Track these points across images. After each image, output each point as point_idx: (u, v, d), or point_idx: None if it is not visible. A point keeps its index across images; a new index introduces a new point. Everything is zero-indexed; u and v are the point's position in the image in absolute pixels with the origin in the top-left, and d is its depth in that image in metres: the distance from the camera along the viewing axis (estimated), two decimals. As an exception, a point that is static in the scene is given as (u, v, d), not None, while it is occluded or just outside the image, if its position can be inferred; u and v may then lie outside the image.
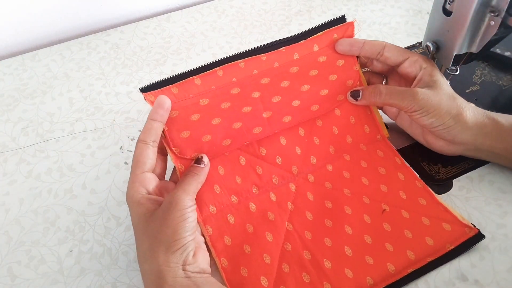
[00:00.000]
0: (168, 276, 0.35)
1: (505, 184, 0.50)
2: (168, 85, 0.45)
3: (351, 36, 0.50)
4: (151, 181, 0.41)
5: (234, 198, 0.46)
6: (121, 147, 0.56)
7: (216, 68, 0.46)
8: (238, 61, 0.47)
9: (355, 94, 0.49)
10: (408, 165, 0.50)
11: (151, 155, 0.41)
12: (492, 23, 0.43)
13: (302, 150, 0.50)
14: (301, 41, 0.49)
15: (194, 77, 0.46)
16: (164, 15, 0.76)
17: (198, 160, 0.44)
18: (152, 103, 0.43)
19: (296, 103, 0.48)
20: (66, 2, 0.71)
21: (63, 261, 0.46)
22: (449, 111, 0.44)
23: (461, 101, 0.46)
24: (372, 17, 0.73)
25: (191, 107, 0.45)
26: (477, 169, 0.51)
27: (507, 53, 0.63)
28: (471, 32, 0.45)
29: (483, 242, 0.44)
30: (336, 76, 0.49)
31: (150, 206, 0.38)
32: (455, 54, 0.47)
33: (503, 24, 0.43)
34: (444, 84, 0.47)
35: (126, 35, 0.72)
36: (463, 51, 0.47)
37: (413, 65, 0.47)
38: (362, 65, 0.51)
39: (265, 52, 0.48)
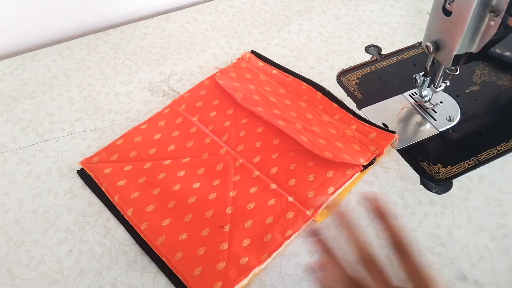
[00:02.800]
0: None
1: (505, 184, 0.50)
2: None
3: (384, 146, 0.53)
4: None
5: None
6: (121, 147, 0.56)
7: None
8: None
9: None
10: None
11: None
12: (492, 23, 0.43)
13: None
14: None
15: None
16: (164, 15, 0.76)
17: None
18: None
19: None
20: (66, 2, 0.71)
21: (63, 261, 0.46)
22: None
23: None
24: (372, 17, 0.73)
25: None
26: (477, 169, 0.51)
27: (507, 53, 0.63)
28: (471, 32, 0.45)
29: (483, 242, 0.44)
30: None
31: None
32: (455, 54, 0.47)
33: (503, 24, 0.43)
34: None
35: (126, 35, 0.72)
36: (463, 51, 0.47)
37: None
38: None
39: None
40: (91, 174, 0.52)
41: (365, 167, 0.51)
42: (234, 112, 0.58)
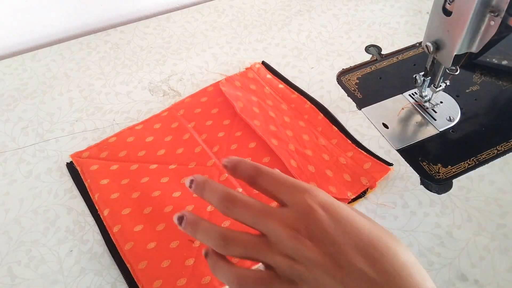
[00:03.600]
0: None
1: (505, 184, 0.50)
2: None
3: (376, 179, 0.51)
4: None
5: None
6: (121, 147, 0.56)
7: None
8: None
9: None
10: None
11: None
12: (492, 23, 0.43)
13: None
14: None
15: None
16: (164, 15, 0.76)
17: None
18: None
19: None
20: (66, 2, 0.71)
21: (63, 261, 0.46)
22: None
23: None
24: (372, 17, 0.73)
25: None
26: (477, 169, 0.51)
27: (504, 62, 0.62)
28: (471, 32, 0.45)
29: (483, 242, 0.44)
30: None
31: None
32: (455, 54, 0.47)
33: (503, 24, 0.43)
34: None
35: (126, 35, 0.72)
36: (463, 51, 0.47)
37: None
38: None
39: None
40: (78, 168, 0.53)
41: (354, 199, 0.49)
42: (230, 123, 0.57)
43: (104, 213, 0.48)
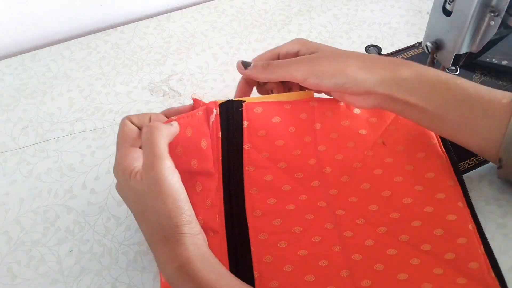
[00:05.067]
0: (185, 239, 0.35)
1: (505, 184, 0.50)
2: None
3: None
4: (140, 158, 0.39)
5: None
6: (121, 147, 0.56)
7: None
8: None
9: (245, 63, 0.45)
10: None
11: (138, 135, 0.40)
12: (492, 23, 0.43)
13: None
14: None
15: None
16: (164, 15, 0.76)
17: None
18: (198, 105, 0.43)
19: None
20: (66, 2, 0.71)
21: (63, 261, 0.46)
22: (337, 67, 0.41)
23: (347, 54, 0.43)
24: (372, 17, 0.73)
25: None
26: (477, 169, 0.51)
27: (504, 62, 0.62)
28: (471, 32, 0.45)
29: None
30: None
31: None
32: (455, 54, 0.47)
33: (503, 24, 0.43)
34: (324, 46, 0.44)
35: (126, 35, 0.72)
36: (463, 51, 0.47)
37: (288, 57, 0.45)
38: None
39: None
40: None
41: None
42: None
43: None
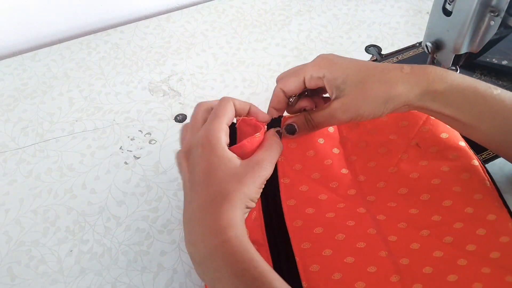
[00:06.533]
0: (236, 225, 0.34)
1: (505, 184, 0.50)
2: None
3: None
4: (227, 136, 0.38)
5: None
6: (121, 147, 0.56)
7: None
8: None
9: (290, 129, 0.43)
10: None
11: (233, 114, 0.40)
12: (492, 23, 0.43)
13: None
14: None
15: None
16: (164, 15, 0.76)
17: (278, 132, 0.42)
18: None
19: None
20: (66, 2, 0.71)
21: (63, 261, 0.46)
22: (382, 101, 0.39)
23: (385, 78, 0.40)
24: (372, 17, 0.73)
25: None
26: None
27: (504, 62, 0.62)
28: (471, 32, 0.45)
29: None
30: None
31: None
32: (455, 54, 0.47)
33: (503, 24, 0.43)
34: (352, 71, 0.40)
35: (126, 35, 0.72)
36: (463, 51, 0.47)
37: (313, 82, 0.43)
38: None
39: None
40: None
41: None
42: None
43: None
